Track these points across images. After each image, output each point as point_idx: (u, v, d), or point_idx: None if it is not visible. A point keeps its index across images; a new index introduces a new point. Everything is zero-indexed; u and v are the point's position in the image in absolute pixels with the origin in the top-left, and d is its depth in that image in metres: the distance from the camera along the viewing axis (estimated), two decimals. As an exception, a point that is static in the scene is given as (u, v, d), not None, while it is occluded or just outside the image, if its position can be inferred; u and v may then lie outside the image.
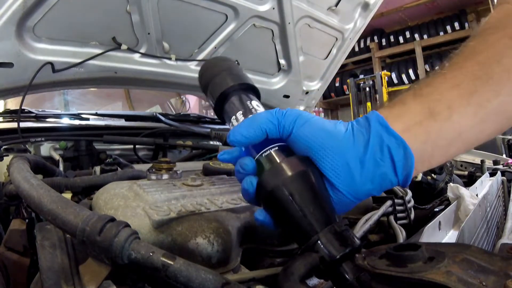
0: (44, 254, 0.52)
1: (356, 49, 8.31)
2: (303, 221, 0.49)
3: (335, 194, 0.51)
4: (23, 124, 1.37)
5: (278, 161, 0.53)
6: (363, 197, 0.52)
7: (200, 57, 1.87)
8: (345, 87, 8.43)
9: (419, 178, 1.46)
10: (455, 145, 0.52)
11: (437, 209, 1.16)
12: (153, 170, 0.88)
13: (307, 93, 2.40)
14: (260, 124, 0.54)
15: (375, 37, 8.36)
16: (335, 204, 0.52)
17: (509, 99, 0.51)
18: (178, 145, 1.58)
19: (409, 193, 1.09)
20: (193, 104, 4.23)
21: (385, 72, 7.65)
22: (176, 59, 1.80)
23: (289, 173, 0.51)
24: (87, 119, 1.71)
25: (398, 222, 0.95)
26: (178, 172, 0.90)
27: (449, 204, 1.05)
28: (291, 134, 0.53)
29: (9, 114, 1.60)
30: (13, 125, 1.38)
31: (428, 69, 7.57)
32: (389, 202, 0.97)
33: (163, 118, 1.84)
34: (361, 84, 7.57)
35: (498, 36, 0.53)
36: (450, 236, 0.88)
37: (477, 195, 1.12)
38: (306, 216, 0.49)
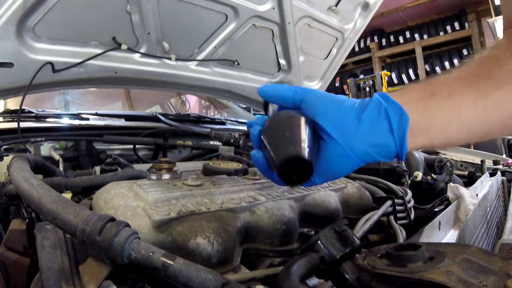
0: (44, 254, 0.52)
1: (356, 49, 8.32)
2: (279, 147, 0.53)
3: (333, 145, 0.55)
4: (23, 124, 1.37)
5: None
6: (361, 155, 0.55)
7: (200, 57, 1.87)
8: (345, 87, 8.43)
9: (419, 178, 1.46)
10: (454, 124, 0.55)
11: (437, 209, 1.16)
12: (153, 170, 0.88)
13: (307, 93, 2.40)
14: (281, 88, 0.62)
15: (375, 37, 8.36)
16: (337, 157, 0.55)
17: (510, 96, 0.53)
18: (178, 145, 1.58)
19: (409, 193, 1.09)
20: (193, 104, 4.23)
21: (385, 72, 7.66)
22: (176, 59, 1.80)
23: (284, 114, 0.57)
24: (87, 119, 1.71)
25: (398, 222, 0.95)
26: (178, 172, 0.90)
27: (449, 204, 1.05)
28: (302, 101, 0.59)
29: (9, 114, 1.60)
30: (13, 125, 1.38)
31: (428, 69, 7.57)
32: (389, 202, 0.97)
33: (163, 118, 1.84)
34: (361, 84, 7.58)
35: (501, 50, 0.57)
36: (450, 236, 0.88)
37: (477, 195, 1.12)
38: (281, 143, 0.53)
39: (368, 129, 0.54)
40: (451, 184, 1.17)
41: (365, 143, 0.54)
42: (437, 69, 7.43)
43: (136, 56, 1.69)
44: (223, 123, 2.22)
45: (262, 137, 0.58)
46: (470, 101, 0.54)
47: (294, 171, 0.52)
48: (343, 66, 3.01)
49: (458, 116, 0.54)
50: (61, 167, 1.23)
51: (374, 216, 0.89)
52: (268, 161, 0.56)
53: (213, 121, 2.21)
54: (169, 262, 0.45)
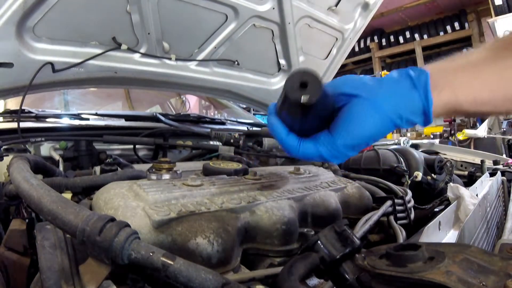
0: (44, 254, 0.52)
1: (356, 49, 8.34)
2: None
3: (357, 103, 0.55)
4: (23, 124, 1.37)
5: None
6: (387, 110, 0.54)
7: (200, 57, 1.87)
8: (345, 87, 8.42)
9: (419, 178, 1.46)
10: (477, 82, 0.55)
11: (437, 209, 1.16)
12: (153, 170, 0.88)
13: (307, 93, 2.40)
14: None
15: (375, 37, 8.36)
16: (362, 115, 0.55)
17: None
18: (178, 145, 1.58)
19: (409, 193, 1.09)
20: (193, 104, 4.23)
21: (385, 72, 7.65)
22: (176, 59, 1.80)
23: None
24: (87, 119, 1.71)
25: (398, 222, 0.95)
26: (178, 172, 0.90)
27: (449, 204, 1.05)
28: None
29: (9, 114, 1.59)
30: (13, 125, 1.38)
31: (428, 69, 7.55)
32: (389, 202, 0.97)
33: (163, 118, 1.84)
34: (361, 84, 7.56)
35: None
36: (450, 236, 0.88)
37: (477, 195, 1.12)
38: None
39: (390, 87, 0.55)
40: (451, 184, 1.17)
41: (389, 100, 0.54)
42: (437, 69, 7.39)
43: (136, 56, 1.69)
44: (223, 123, 2.22)
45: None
46: (489, 62, 0.55)
47: (303, 84, 0.53)
48: (343, 66, 3.01)
49: (479, 74, 0.55)
50: (61, 167, 1.23)
51: (374, 216, 0.89)
52: (281, 102, 0.58)
53: (213, 121, 2.21)
54: (169, 262, 0.45)
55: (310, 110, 0.55)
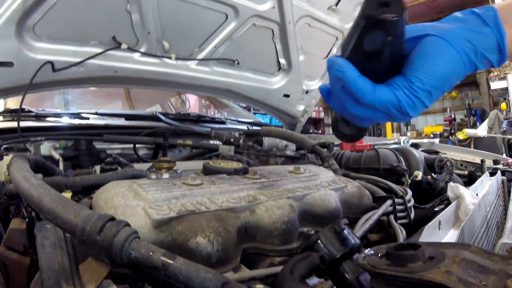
0: (44, 254, 0.52)
1: (356, 48, 8.33)
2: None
3: (430, 38, 0.52)
4: (23, 124, 1.37)
5: None
6: (462, 45, 0.52)
7: (200, 56, 1.87)
8: (345, 86, 8.42)
9: (419, 177, 1.46)
10: None
11: (437, 209, 1.16)
12: (153, 169, 0.88)
13: (307, 92, 2.40)
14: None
15: (375, 37, 8.35)
16: (436, 50, 0.52)
17: None
18: (178, 145, 1.58)
19: (409, 193, 1.09)
20: (193, 103, 4.22)
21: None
22: (176, 59, 1.80)
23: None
24: (87, 118, 1.71)
25: (398, 221, 0.95)
26: (178, 171, 0.90)
27: (449, 203, 1.05)
28: None
29: (9, 113, 1.60)
30: (13, 124, 1.38)
31: (428, 69, 7.55)
32: (389, 202, 0.97)
33: (163, 118, 1.84)
34: (361, 84, 7.55)
35: None
36: (450, 236, 0.88)
37: (477, 194, 1.12)
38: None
39: (462, 24, 0.53)
40: (451, 183, 1.17)
41: (461, 34, 0.52)
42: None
43: (136, 55, 1.69)
44: (223, 123, 2.22)
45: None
46: None
47: (383, 3, 0.48)
48: (343, 65, 3.00)
49: None
50: (61, 167, 1.23)
51: (374, 215, 0.89)
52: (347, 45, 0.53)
53: (213, 120, 2.21)
54: (169, 261, 0.45)
55: (386, 46, 0.49)
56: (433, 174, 1.57)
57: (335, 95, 0.58)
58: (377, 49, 0.51)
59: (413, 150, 1.64)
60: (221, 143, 1.54)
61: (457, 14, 0.56)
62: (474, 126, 9.12)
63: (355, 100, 0.54)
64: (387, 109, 0.52)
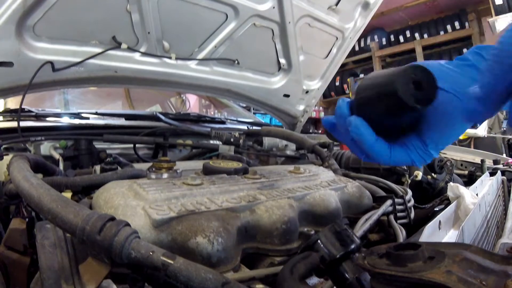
0: (44, 253, 0.52)
1: (356, 48, 8.31)
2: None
3: (446, 100, 0.50)
4: (23, 123, 1.37)
5: None
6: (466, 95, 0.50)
7: (200, 56, 1.87)
8: (345, 86, 8.42)
9: (419, 177, 1.46)
10: None
11: (437, 209, 1.16)
12: (153, 169, 0.88)
13: (307, 92, 2.40)
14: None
15: (375, 36, 8.34)
16: (446, 106, 0.50)
17: None
18: (178, 144, 1.58)
19: (409, 193, 1.09)
20: (193, 103, 4.23)
21: (385, 71, 7.63)
22: (176, 58, 1.80)
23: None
24: (87, 118, 1.71)
25: (398, 221, 0.95)
26: (178, 171, 0.90)
27: (449, 203, 1.05)
28: None
29: (9, 113, 1.60)
30: (13, 124, 1.38)
31: (428, 69, 7.54)
32: (389, 202, 0.97)
33: (163, 117, 1.84)
34: (362, 84, 7.55)
35: None
36: (450, 236, 0.88)
37: (477, 194, 1.12)
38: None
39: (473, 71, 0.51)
40: (451, 183, 1.17)
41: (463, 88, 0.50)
42: (438, 68, 7.39)
43: (136, 55, 1.69)
44: (223, 122, 2.22)
45: (361, 96, 0.51)
46: None
47: (416, 83, 0.46)
48: (343, 65, 3.01)
49: None
50: (61, 166, 1.23)
51: (374, 215, 0.88)
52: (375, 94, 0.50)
53: (213, 120, 2.21)
54: (169, 261, 0.45)
55: (408, 117, 0.49)
56: (433, 174, 1.57)
57: (344, 140, 0.59)
58: (392, 118, 0.51)
59: (413, 150, 1.63)
60: (221, 143, 1.54)
61: (469, 56, 0.53)
62: (474, 126, 9.13)
63: (367, 155, 0.55)
64: (401, 165, 0.55)
